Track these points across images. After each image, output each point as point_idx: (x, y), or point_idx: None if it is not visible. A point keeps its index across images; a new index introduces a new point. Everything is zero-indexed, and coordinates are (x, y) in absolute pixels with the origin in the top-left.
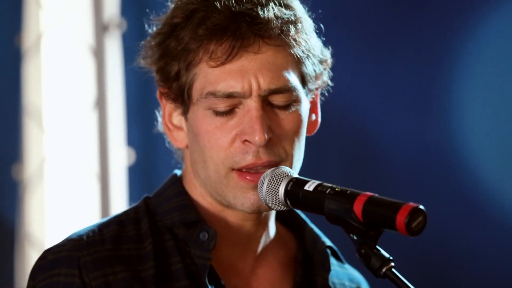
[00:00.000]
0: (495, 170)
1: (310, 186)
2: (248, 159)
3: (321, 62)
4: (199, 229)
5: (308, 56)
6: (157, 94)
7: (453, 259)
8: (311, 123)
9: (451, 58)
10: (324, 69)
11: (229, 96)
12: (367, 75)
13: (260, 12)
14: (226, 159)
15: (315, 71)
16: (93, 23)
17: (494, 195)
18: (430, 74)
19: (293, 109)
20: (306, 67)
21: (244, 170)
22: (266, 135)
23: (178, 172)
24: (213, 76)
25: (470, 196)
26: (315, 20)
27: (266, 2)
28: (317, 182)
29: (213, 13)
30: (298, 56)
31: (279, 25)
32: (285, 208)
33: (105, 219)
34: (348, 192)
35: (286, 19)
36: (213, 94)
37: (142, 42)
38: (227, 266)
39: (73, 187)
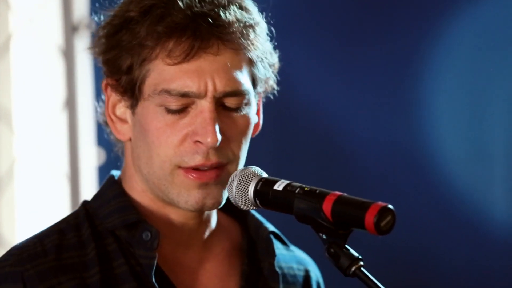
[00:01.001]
0: (464, 168)
1: (279, 185)
2: (197, 160)
3: (270, 66)
4: (141, 229)
5: (261, 60)
6: (103, 85)
7: (422, 258)
8: (255, 126)
9: (420, 55)
10: (272, 72)
11: (184, 95)
12: (335, 73)
13: (222, 14)
14: (174, 157)
15: (265, 74)
16: (62, 24)
17: (463, 194)
18: (399, 72)
19: (243, 112)
20: (258, 71)
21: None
22: (217, 137)
23: (115, 172)
24: (169, 74)
25: (439, 195)
26: (268, 23)
27: (227, 4)
28: (287, 181)
29: (173, 10)
30: (253, 60)
31: (239, 28)
32: (254, 207)
33: (45, 228)
34: (317, 191)
35: (246, 22)
36: (167, 92)
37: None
38: (173, 263)
39: (43, 187)
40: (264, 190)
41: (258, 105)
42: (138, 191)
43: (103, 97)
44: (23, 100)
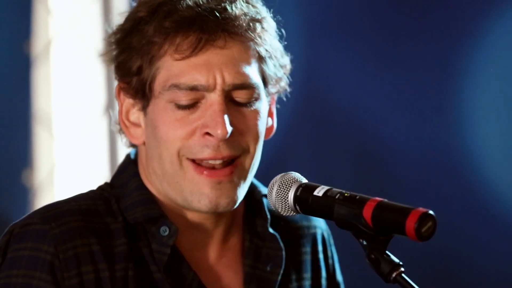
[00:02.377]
0: (507, 173)
1: (319, 191)
2: (207, 152)
3: (281, 66)
4: (160, 223)
5: (270, 57)
6: (116, 90)
7: (463, 263)
8: (267, 128)
9: (462, 59)
10: (284, 73)
11: (193, 88)
12: (376, 77)
13: (228, 8)
14: (183, 149)
15: (276, 74)
16: (102, 29)
17: (506, 198)
18: (440, 75)
19: (254, 107)
20: (268, 67)
21: (201, 164)
22: (228, 129)
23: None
24: (177, 69)
25: (480, 200)
26: (278, 25)
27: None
28: (327, 187)
29: (180, 6)
30: (262, 55)
31: (246, 21)
32: (294, 213)
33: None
34: (358, 197)
35: (253, 16)
36: (176, 86)
37: (104, 39)
38: (191, 262)
39: None
40: (304, 196)
41: (270, 107)
42: (155, 191)
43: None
44: (63, 105)
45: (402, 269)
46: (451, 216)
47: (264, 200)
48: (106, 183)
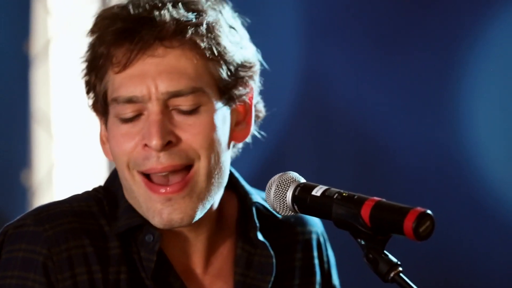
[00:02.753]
0: (504, 171)
1: (317, 191)
2: (149, 164)
3: (240, 66)
4: (145, 231)
5: (220, 58)
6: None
7: (461, 263)
8: (239, 131)
9: (460, 59)
10: (249, 76)
11: (129, 101)
12: (375, 77)
13: (156, 14)
14: (130, 162)
15: (232, 75)
16: None
17: (505, 199)
18: (439, 76)
19: (202, 113)
20: (218, 72)
21: (153, 180)
22: (162, 140)
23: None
24: (117, 83)
25: (479, 200)
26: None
27: (162, 5)
28: (325, 187)
29: (117, 19)
30: (208, 58)
31: (179, 26)
32: (292, 213)
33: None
34: (356, 197)
35: (185, 21)
36: (115, 100)
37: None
38: (179, 269)
39: None
40: (302, 195)
41: (242, 110)
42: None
43: None
44: (62, 105)
45: (400, 268)
46: (449, 216)
47: (259, 205)
48: (100, 187)
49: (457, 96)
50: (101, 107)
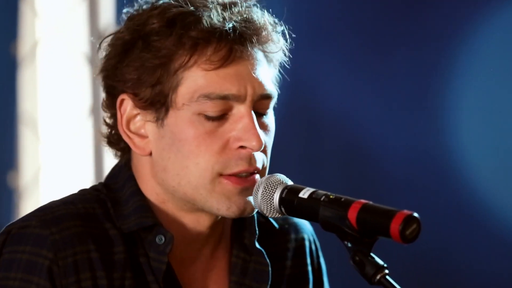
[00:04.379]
0: (488, 174)
1: (304, 193)
2: (242, 165)
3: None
4: (155, 232)
5: (278, 64)
6: (118, 101)
7: (447, 266)
8: None
9: (444, 61)
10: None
11: (224, 98)
12: (363, 80)
13: (255, 17)
14: (216, 164)
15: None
16: (89, 31)
17: (487, 200)
18: (426, 80)
19: (270, 116)
20: (276, 74)
21: (233, 175)
22: (263, 141)
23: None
24: (207, 80)
25: (465, 203)
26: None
27: (255, 9)
28: (312, 189)
29: (204, 18)
30: (276, 63)
31: (270, 31)
32: (280, 215)
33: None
34: (343, 199)
35: (275, 26)
36: (207, 97)
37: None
38: (182, 266)
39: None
40: (289, 198)
41: None
42: (152, 197)
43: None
44: (49, 107)
45: (387, 271)
46: (435, 219)
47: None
48: (101, 184)
49: (443, 100)
50: (158, 101)
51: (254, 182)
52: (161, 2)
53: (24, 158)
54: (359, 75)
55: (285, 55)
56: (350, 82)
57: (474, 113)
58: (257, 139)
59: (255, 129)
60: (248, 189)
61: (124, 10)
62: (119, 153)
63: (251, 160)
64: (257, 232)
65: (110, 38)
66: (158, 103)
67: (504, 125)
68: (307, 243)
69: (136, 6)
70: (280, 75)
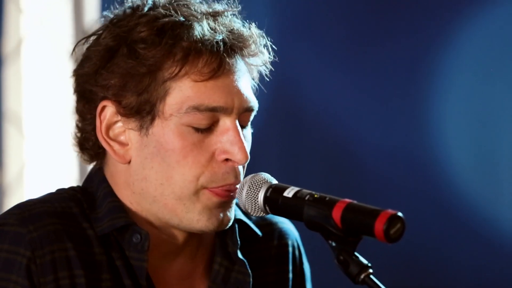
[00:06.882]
0: (472, 174)
1: (289, 192)
2: (229, 179)
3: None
4: (131, 231)
5: (256, 76)
6: (98, 108)
7: (431, 265)
8: None
9: (428, 60)
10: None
11: (213, 110)
12: (342, 77)
13: (243, 29)
14: (203, 177)
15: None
16: (74, 28)
17: (471, 200)
18: (407, 76)
19: (249, 129)
20: (254, 85)
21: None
22: (248, 154)
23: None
24: (195, 91)
25: (448, 203)
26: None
27: (242, 21)
28: (296, 188)
29: (194, 27)
30: (256, 75)
31: (257, 43)
32: (264, 214)
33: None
34: (327, 198)
35: (260, 38)
36: (196, 108)
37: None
38: (159, 275)
39: None
40: (273, 197)
41: None
42: (126, 199)
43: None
44: (34, 104)
45: (371, 270)
46: (419, 218)
47: (239, 220)
48: (78, 187)
49: (428, 99)
50: (143, 110)
51: (234, 196)
52: (146, 8)
53: (8, 156)
54: (344, 73)
55: (266, 67)
56: (335, 81)
57: (458, 113)
58: (243, 153)
59: (242, 142)
60: (227, 202)
61: (104, 13)
62: (87, 158)
63: (236, 173)
64: (239, 242)
65: (89, 40)
66: (143, 112)
67: (488, 124)
68: (290, 249)
69: (117, 10)
70: (260, 78)
